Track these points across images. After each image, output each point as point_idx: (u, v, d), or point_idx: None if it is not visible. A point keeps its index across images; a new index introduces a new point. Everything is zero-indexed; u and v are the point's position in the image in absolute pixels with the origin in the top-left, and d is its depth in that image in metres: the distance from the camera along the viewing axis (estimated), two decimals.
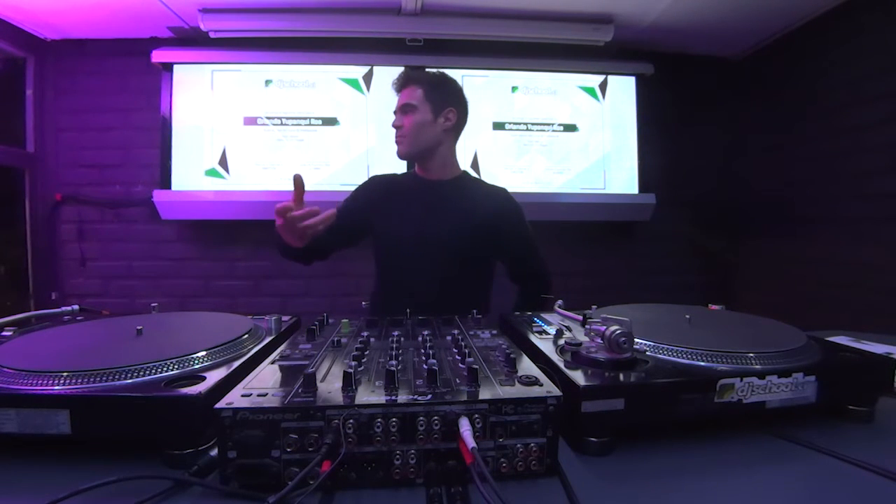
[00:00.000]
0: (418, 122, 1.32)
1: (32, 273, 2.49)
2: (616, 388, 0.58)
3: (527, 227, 1.42)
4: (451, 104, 1.35)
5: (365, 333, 0.77)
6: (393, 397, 0.51)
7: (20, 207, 2.48)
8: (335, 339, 0.73)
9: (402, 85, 1.36)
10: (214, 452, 0.52)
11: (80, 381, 0.56)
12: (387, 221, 1.36)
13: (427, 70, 1.47)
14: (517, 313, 1.00)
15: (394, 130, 1.36)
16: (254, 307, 2.39)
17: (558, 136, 2.66)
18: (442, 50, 2.53)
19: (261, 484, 0.48)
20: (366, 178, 1.50)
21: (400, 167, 1.77)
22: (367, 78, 2.55)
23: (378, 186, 1.44)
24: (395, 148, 1.36)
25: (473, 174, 1.29)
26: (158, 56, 2.42)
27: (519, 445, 0.52)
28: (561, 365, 0.64)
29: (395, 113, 1.36)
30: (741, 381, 0.61)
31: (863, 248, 2.07)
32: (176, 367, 0.62)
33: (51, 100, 2.52)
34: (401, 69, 1.46)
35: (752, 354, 0.65)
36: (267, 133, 2.51)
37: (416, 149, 1.35)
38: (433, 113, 1.33)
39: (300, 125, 2.53)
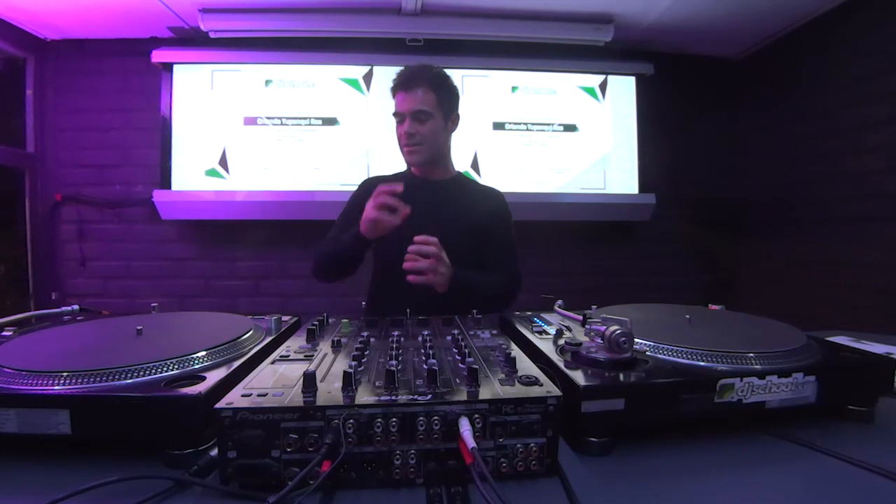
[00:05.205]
0: (435, 130, 1.27)
1: (32, 273, 2.49)
2: (616, 388, 0.58)
3: (512, 233, 1.40)
4: (455, 108, 1.33)
5: (365, 333, 0.77)
6: (393, 397, 0.51)
7: (20, 207, 2.47)
8: (335, 339, 0.73)
9: (410, 85, 1.25)
10: (214, 452, 0.52)
11: (80, 381, 0.56)
12: None
13: (429, 68, 1.37)
14: (517, 312, 1.00)
15: (395, 134, 1.30)
16: (254, 307, 2.39)
17: (558, 136, 2.66)
18: (442, 50, 2.52)
19: (261, 484, 0.48)
20: (361, 181, 1.46)
21: (400, 167, 1.76)
22: (367, 78, 2.55)
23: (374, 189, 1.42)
24: (395, 149, 1.32)
25: (473, 174, 1.27)
26: (158, 56, 2.42)
27: (519, 445, 0.52)
28: (561, 365, 0.64)
29: (396, 116, 1.29)
30: (741, 381, 0.61)
31: (863, 248, 2.06)
32: (176, 367, 0.62)
33: (51, 100, 2.52)
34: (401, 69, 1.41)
35: (752, 354, 0.65)
36: (267, 133, 2.51)
37: (432, 157, 1.31)
38: (444, 119, 1.29)
39: (300, 125, 2.52)
